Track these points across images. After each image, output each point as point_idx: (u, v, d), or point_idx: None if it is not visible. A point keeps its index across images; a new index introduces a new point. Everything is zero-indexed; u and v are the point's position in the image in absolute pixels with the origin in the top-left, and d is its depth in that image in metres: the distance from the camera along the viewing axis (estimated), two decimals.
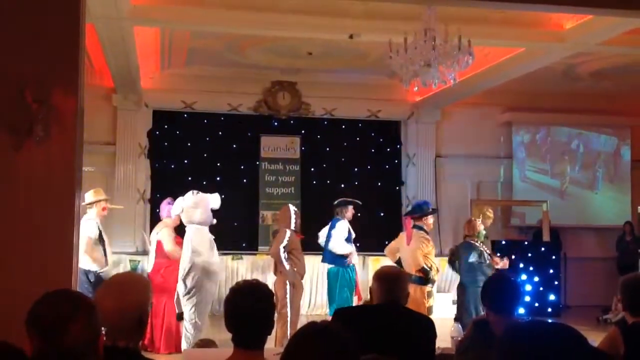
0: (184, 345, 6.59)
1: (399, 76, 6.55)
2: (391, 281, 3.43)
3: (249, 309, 2.46)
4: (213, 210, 6.80)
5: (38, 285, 3.21)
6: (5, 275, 3.25)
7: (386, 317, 3.32)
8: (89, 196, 6.76)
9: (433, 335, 3.40)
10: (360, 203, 7.95)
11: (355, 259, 7.72)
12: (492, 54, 8.23)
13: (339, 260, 7.59)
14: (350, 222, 7.77)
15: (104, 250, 6.72)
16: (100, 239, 6.70)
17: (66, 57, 3.36)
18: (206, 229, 6.77)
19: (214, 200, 6.81)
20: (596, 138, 11.82)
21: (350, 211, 7.76)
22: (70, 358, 1.88)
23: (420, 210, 6.81)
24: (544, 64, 8.40)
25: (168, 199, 7.24)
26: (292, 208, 7.08)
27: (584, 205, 11.61)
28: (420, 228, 6.64)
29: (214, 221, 6.79)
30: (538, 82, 9.75)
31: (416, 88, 6.36)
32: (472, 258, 6.87)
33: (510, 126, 11.49)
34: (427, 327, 3.40)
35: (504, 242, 10.30)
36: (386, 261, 8.98)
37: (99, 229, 6.71)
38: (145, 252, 9.07)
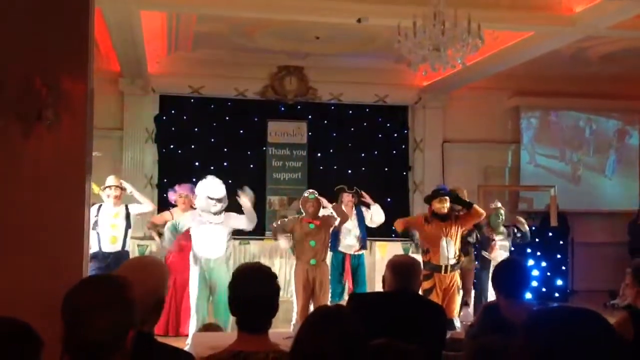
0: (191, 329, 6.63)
1: (407, 61, 6.52)
2: (403, 270, 3.47)
3: (251, 292, 2.44)
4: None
5: (48, 272, 3.22)
6: (15, 263, 3.25)
7: (399, 303, 3.34)
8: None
9: (444, 321, 3.42)
10: (344, 188, 7.94)
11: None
12: (501, 37, 8.15)
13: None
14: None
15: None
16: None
17: (75, 41, 3.34)
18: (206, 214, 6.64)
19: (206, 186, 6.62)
20: (605, 122, 11.72)
21: (343, 198, 7.78)
22: (93, 349, 1.80)
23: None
24: (553, 47, 8.33)
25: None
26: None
27: (592, 190, 11.55)
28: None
29: (212, 209, 6.51)
30: (546, 66, 9.68)
31: (425, 72, 6.33)
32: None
33: (518, 110, 11.42)
34: (437, 313, 3.42)
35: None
36: (392, 247, 9.03)
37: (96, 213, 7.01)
38: (152, 237, 9.10)
